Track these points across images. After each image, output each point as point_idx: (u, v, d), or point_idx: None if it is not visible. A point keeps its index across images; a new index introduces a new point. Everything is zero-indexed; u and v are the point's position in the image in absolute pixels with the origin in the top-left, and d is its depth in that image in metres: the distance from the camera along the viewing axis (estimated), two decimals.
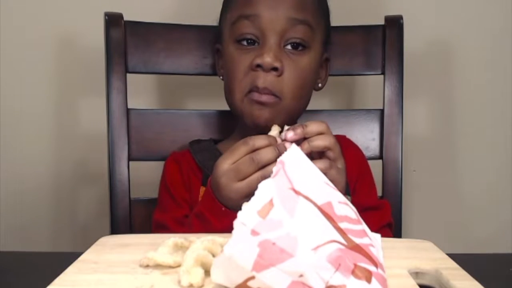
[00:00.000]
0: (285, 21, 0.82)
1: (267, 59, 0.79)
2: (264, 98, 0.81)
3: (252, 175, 0.67)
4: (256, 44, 0.83)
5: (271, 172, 0.61)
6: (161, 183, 0.92)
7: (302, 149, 0.63)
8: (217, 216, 0.70)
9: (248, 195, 0.65)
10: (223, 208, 0.70)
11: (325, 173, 0.66)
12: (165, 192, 0.89)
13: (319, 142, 0.67)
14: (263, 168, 0.66)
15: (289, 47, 0.83)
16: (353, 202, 0.88)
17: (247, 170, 0.67)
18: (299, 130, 0.67)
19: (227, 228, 0.60)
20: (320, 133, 0.68)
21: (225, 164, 0.68)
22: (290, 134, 0.67)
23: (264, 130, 0.83)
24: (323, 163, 0.68)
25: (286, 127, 0.69)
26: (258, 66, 0.80)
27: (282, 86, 0.81)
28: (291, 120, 0.88)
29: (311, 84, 0.88)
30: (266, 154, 0.66)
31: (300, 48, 0.83)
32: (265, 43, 0.82)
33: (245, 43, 0.83)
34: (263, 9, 0.82)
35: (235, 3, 0.86)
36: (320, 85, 0.93)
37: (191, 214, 0.78)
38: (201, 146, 0.91)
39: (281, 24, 0.82)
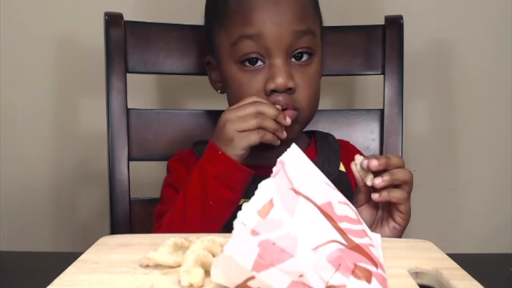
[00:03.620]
0: (290, 36, 0.79)
1: (280, 80, 0.78)
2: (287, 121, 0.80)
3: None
4: (260, 62, 0.80)
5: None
6: (164, 182, 0.91)
7: (383, 180, 0.67)
8: (213, 162, 0.76)
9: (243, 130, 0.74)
10: (219, 152, 0.75)
11: (399, 204, 0.69)
12: (169, 189, 0.88)
13: (401, 176, 0.68)
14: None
15: (294, 59, 0.81)
16: None
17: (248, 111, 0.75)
18: (383, 161, 0.67)
19: (221, 173, 0.74)
20: (399, 167, 0.69)
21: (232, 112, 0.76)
22: (375, 163, 0.66)
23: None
24: (401, 193, 0.69)
25: (357, 157, 0.70)
26: (273, 90, 0.79)
27: (298, 100, 0.81)
28: (307, 124, 0.88)
29: (320, 84, 0.88)
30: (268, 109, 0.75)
31: (305, 57, 0.82)
32: (272, 63, 0.79)
33: (247, 63, 0.81)
34: (266, 26, 0.79)
35: (230, 21, 0.82)
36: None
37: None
38: (204, 147, 0.91)
39: (287, 39, 0.79)
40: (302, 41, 0.81)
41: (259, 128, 0.75)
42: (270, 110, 0.75)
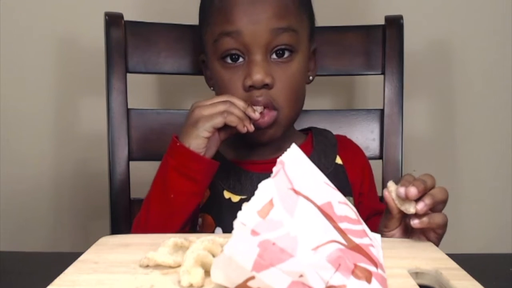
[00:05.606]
0: (268, 33, 0.80)
1: (257, 76, 0.78)
2: (264, 119, 0.80)
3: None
4: (241, 59, 0.81)
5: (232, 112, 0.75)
6: None
7: (425, 204, 0.63)
8: (173, 155, 0.77)
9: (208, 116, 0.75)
10: (178, 144, 0.76)
11: (442, 225, 0.66)
12: None
13: (441, 196, 0.66)
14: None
15: (274, 55, 0.81)
16: (365, 206, 0.88)
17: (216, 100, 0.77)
18: (421, 188, 0.63)
19: (179, 164, 0.76)
20: (433, 186, 0.66)
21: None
22: (414, 192, 0.62)
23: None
24: (442, 218, 0.66)
25: (391, 184, 0.66)
26: (251, 86, 0.79)
27: (276, 97, 0.81)
28: (291, 124, 0.88)
29: (303, 84, 0.88)
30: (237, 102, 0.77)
31: (286, 54, 0.82)
32: (251, 60, 0.80)
33: (229, 59, 0.82)
34: (244, 24, 0.80)
35: (213, 19, 0.83)
36: (310, 78, 0.91)
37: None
38: None
39: (265, 37, 0.80)
40: (281, 38, 0.81)
41: (225, 111, 0.76)
42: (239, 101, 0.77)
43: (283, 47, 0.82)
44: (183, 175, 0.76)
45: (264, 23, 0.80)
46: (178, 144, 0.76)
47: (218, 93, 0.86)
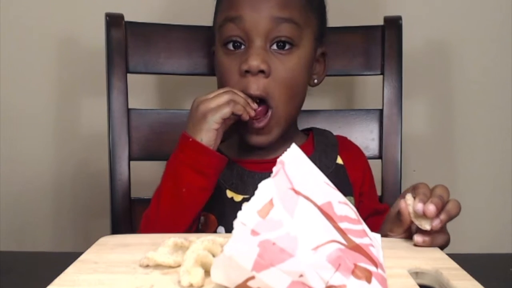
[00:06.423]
0: (268, 20, 0.81)
1: (253, 62, 0.79)
2: (260, 124, 0.81)
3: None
4: (243, 46, 0.83)
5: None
6: None
7: (441, 221, 0.62)
8: (183, 150, 0.78)
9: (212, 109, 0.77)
10: (190, 139, 0.77)
11: (443, 246, 0.65)
12: None
13: (455, 212, 0.65)
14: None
15: (275, 47, 0.82)
16: (366, 206, 0.88)
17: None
18: (439, 205, 0.62)
19: (191, 159, 0.76)
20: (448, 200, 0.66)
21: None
22: (433, 210, 0.62)
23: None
24: (444, 238, 0.66)
25: (409, 197, 0.65)
26: (247, 71, 0.80)
27: (270, 88, 0.81)
28: (288, 124, 0.87)
29: (303, 82, 0.87)
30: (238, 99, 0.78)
31: (287, 47, 0.82)
32: (250, 46, 0.81)
33: (231, 46, 0.83)
34: (246, 10, 0.81)
35: (221, 7, 0.86)
36: (316, 81, 0.91)
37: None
38: None
39: (265, 24, 0.81)
40: (281, 28, 0.82)
41: (230, 101, 0.77)
42: (239, 92, 0.79)
43: (283, 39, 0.82)
44: (194, 170, 0.77)
45: (265, 10, 0.81)
46: (190, 139, 0.77)
47: (218, 80, 0.87)
